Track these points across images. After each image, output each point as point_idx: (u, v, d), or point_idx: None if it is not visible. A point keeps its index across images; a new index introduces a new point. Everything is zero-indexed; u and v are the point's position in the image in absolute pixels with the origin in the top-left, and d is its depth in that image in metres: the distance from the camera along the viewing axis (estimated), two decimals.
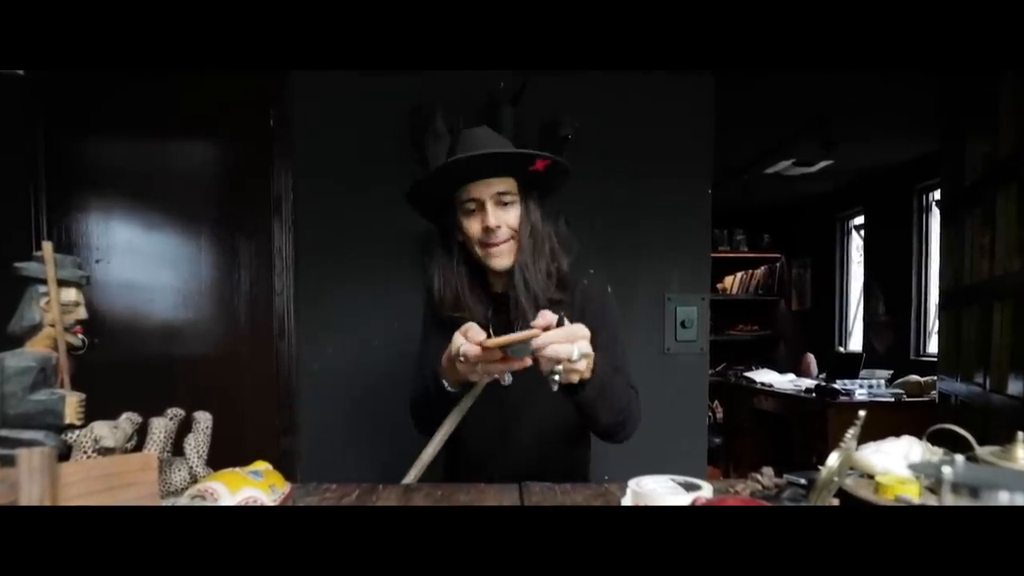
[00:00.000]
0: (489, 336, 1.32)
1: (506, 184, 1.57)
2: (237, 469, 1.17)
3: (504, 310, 1.65)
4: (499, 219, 1.56)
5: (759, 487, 1.20)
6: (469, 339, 1.30)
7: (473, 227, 1.58)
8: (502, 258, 1.59)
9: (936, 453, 1.04)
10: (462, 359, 1.30)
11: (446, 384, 1.46)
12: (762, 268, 8.40)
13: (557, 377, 1.29)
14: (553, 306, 1.56)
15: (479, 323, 1.49)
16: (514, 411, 1.68)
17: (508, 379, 1.50)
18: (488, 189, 1.55)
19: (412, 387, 1.70)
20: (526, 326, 1.62)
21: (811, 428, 4.98)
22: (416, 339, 1.81)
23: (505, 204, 1.57)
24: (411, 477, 1.48)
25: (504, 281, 1.66)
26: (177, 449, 1.18)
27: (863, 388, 5.11)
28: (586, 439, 1.80)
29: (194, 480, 1.15)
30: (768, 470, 1.25)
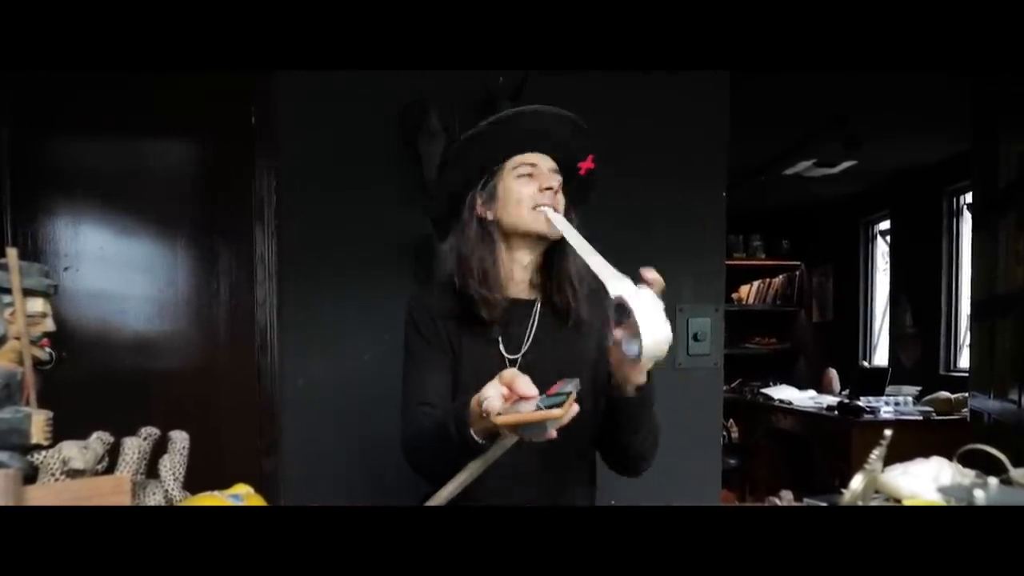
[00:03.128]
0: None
1: (556, 169, 1.65)
2: (216, 493, 1.16)
3: (519, 316, 1.66)
4: (554, 184, 1.61)
5: None
6: (504, 391, 1.24)
7: (527, 189, 1.61)
8: (554, 219, 1.61)
9: (968, 475, 1.04)
10: (485, 414, 1.23)
11: (474, 435, 1.34)
12: (780, 277, 8.40)
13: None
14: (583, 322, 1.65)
15: (495, 324, 1.60)
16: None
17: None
18: (545, 161, 1.64)
19: (405, 422, 1.63)
20: (546, 338, 1.65)
21: (833, 448, 4.97)
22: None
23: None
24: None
25: (526, 287, 1.69)
26: (151, 471, 1.18)
27: (889, 405, 5.11)
28: (592, 473, 1.78)
29: (170, 504, 1.15)
30: (787, 494, 1.25)
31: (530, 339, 1.66)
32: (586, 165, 1.68)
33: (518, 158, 1.63)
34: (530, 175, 1.62)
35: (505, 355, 1.67)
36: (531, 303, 1.68)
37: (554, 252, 1.66)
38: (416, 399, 1.64)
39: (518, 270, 1.68)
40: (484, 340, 1.66)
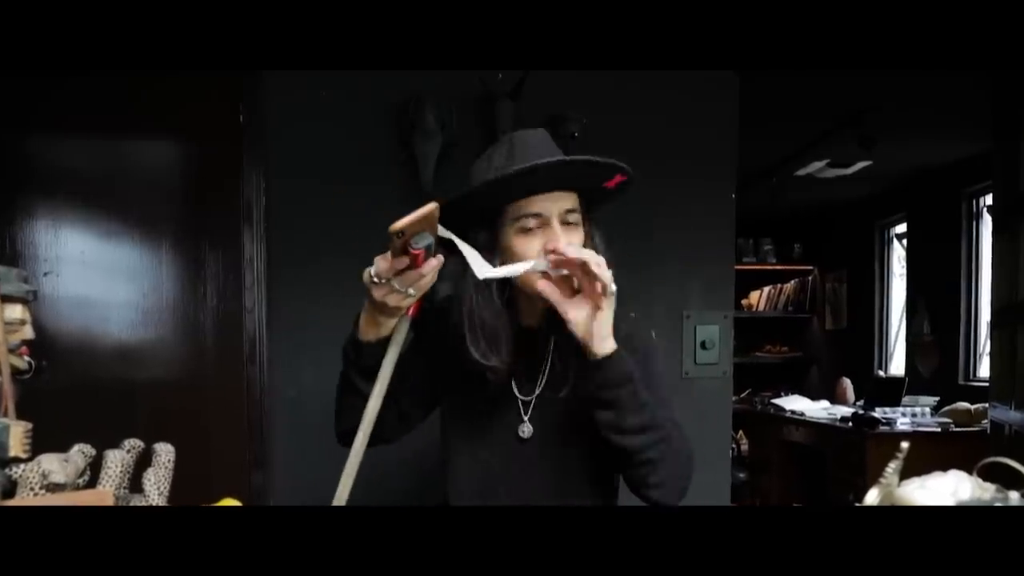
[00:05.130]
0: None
1: (572, 200, 1.49)
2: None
3: (532, 350, 1.59)
4: (560, 244, 1.41)
5: None
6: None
7: (532, 248, 1.45)
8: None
9: (988, 490, 1.03)
10: (376, 279, 1.33)
11: (361, 337, 1.46)
12: (792, 282, 8.40)
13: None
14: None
15: (503, 366, 1.51)
16: (528, 468, 1.62)
17: (527, 431, 1.58)
18: (555, 205, 1.46)
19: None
20: (562, 369, 1.56)
21: (847, 462, 4.97)
22: None
23: (570, 224, 1.49)
24: (354, 455, 1.44)
25: (539, 315, 1.57)
26: (135, 485, 1.18)
27: (906, 416, 5.11)
28: (611, 499, 1.72)
29: None
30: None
31: (545, 376, 1.59)
32: (615, 181, 1.51)
33: (521, 207, 1.46)
34: (533, 229, 1.46)
35: (518, 396, 1.60)
36: (546, 335, 1.57)
37: None
38: None
39: (526, 308, 1.58)
40: (489, 379, 1.55)
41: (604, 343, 1.39)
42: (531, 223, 1.46)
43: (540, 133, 1.55)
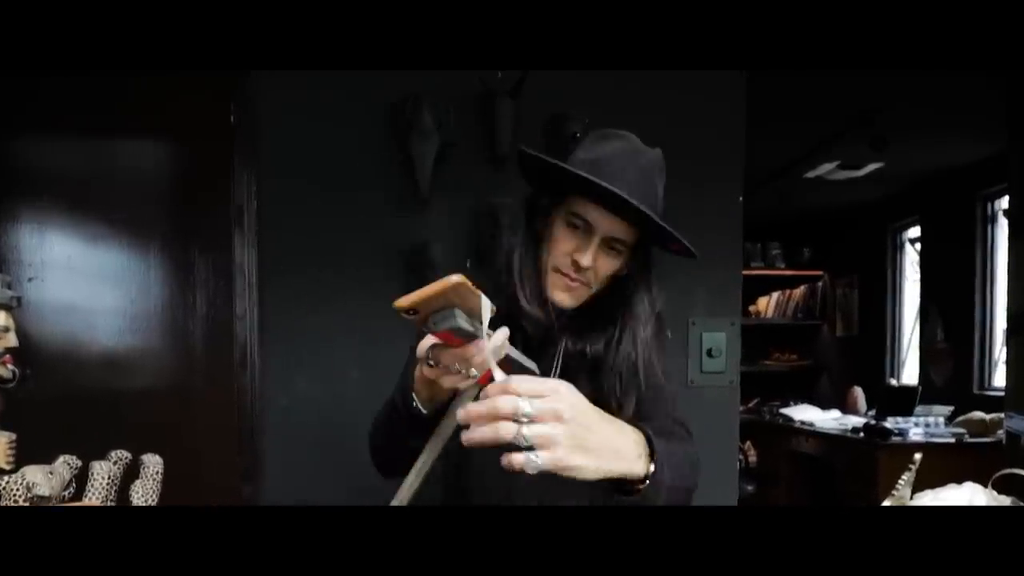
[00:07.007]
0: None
1: (625, 232, 1.49)
2: None
3: (543, 344, 1.57)
4: (595, 261, 1.47)
5: None
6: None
7: (562, 244, 1.49)
8: (566, 294, 1.51)
9: (1003, 502, 1.04)
10: (430, 362, 1.14)
11: (417, 403, 1.30)
12: (801, 288, 8.39)
13: (533, 458, 0.93)
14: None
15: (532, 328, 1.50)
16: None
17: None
18: (605, 222, 1.46)
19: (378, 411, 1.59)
20: (567, 356, 1.54)
21: (859, 474, 4.96)
22: (401, 368, 1.79)
23: (613, 250, 1.50)
24: None
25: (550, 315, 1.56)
26: (122, 497, 1.18)
27: (919, 427, 5.10)
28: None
29: None
30: None
31: (559, 365, 1.57)
32: (676, 249, 1.53)
33: (578, 203, 1.47)
34: (575, 228, 1.48)
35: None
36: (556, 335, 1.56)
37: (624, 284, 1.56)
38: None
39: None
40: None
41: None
42: (576, 221, 1.48)
43: (621, 146, 1.55)
